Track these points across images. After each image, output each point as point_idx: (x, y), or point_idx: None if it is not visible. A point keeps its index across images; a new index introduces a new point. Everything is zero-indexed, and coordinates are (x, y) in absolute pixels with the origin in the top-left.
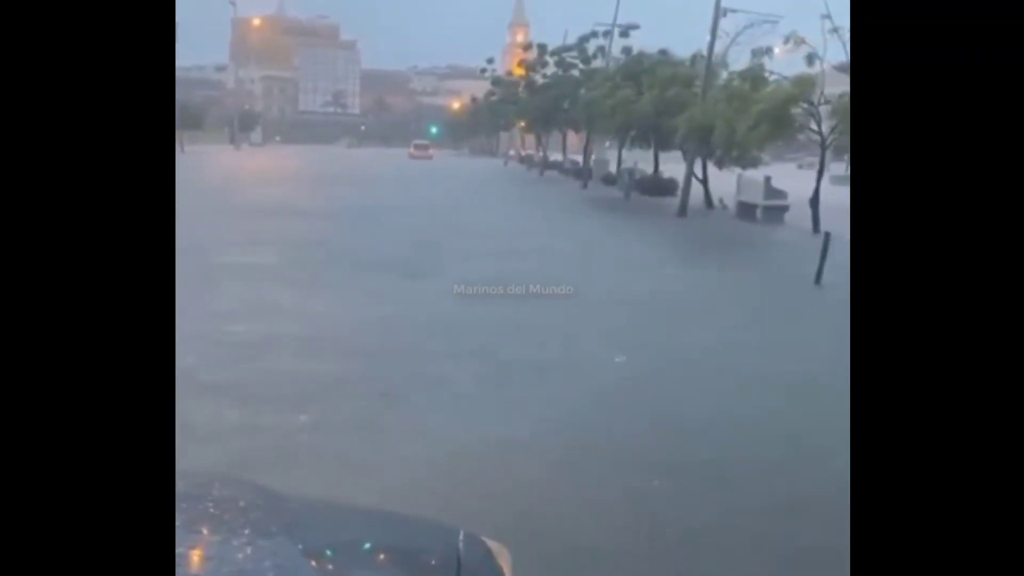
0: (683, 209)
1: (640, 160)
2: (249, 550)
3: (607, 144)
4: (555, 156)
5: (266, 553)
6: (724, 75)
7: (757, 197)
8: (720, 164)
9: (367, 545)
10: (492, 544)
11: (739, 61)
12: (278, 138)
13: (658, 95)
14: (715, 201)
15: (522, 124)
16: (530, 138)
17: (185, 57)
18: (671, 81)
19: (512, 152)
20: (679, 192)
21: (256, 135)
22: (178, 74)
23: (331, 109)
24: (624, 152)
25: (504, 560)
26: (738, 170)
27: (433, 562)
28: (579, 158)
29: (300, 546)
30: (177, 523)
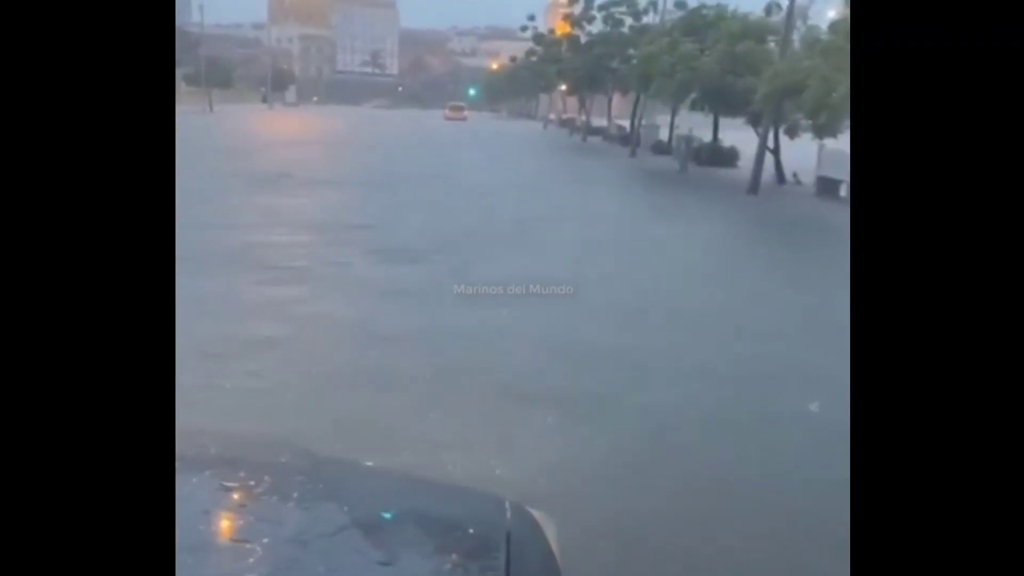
0: (755, 186)
1: (693, 126)
2: (297, 515)
3: (664, 106)
4: (597, 121)
5: (313, 519)
6: (802, 28)
7: (842, 172)
8: (792, 133)
9: (413, 514)
10: (537, 514)
11: (820, 13)
12: (315, 98)
13: (725, 51)
14: (788, 176)
15: (563, 87)
16: (571, 101)
17: (222, 14)
18: (740, 35)
19: (552, 115)
20: (740, 163)
21: (290, 94)
22: (215, 31)
23: (368, 69)
24: (675, 117)
25: (550, 530)
26: (817, 140)
27: (481, 532)
28: (625, 123)
29: (347, 512)
30: (224, 488)
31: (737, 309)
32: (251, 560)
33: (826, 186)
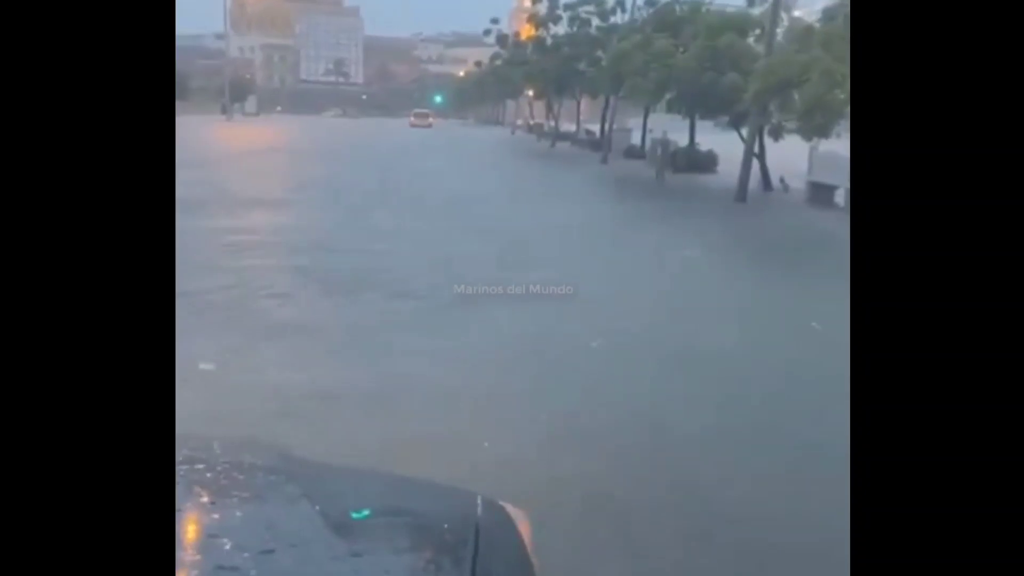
0: (742, 193)
1: (667, 129)
2: (269, 513)
3: (635, 109)
4: (566, 126)
5: (284, 516)
6: (785, 20)
7: (838, 177)
8: (776, 134)
9: (385, 511)
10: (511, 509)
11: (807, 3)
12: (279, 108)
13: (705, 45)
14: (775, 181)
15: (530, 92)
16: (538, 106)
17: (184, 25)
18: (720, 29)
19: (520, 121)
20: (719, 168)
21: (250, 104)
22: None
23: (333, 78)
24: (648, 120)
25: (523, 526)
26: (806, 141)
27: (452, 528)
28: (594, 128)
29: (319, 511)
30: (196, 488)
31: (742, 325)
32: (223, 558)
33: (818, 192)
